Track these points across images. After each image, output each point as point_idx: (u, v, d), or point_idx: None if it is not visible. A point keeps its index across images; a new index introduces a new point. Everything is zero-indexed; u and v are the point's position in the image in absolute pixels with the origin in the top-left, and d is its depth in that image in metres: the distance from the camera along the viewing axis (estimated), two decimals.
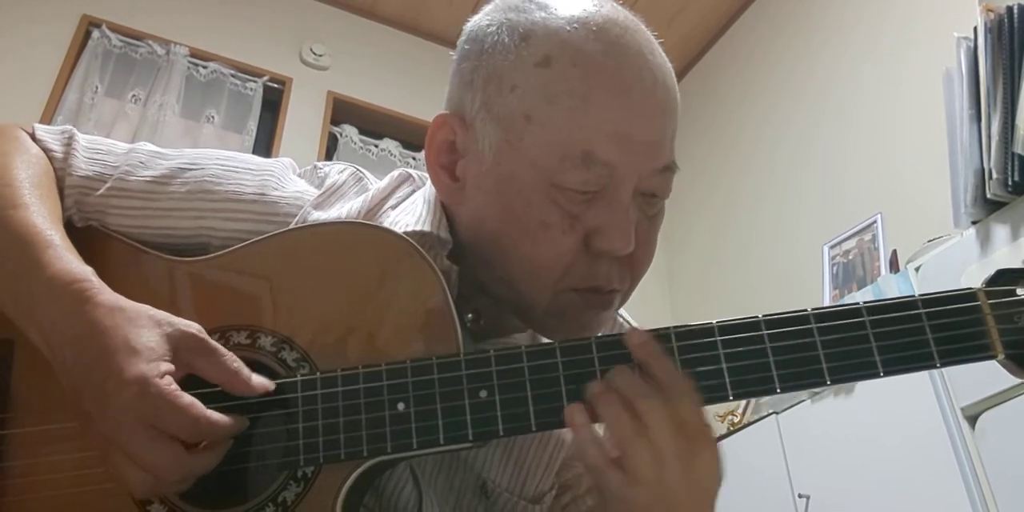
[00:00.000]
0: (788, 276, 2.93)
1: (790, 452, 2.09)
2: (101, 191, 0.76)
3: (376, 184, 0.79)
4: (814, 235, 2.83)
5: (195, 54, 3.16)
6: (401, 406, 0.62)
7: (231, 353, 0.62)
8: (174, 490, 0.59)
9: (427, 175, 0.75)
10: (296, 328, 0.66)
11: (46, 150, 0.77)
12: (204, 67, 3.17)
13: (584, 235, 0.66)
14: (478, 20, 0.73)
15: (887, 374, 0.61)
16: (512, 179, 0.67)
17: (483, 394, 0.62)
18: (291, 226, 0.72)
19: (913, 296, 0.63)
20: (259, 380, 0.62)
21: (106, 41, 3.02)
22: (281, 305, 0.67)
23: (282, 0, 3.51)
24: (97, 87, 2.91)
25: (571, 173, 0.65)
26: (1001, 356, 0.61)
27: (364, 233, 0.68)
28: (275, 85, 3.28)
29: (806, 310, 0.63)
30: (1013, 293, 0.62)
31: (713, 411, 2.37)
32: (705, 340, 0.62)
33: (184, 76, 3.08)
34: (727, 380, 0.62)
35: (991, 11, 1.88)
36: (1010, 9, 1.85)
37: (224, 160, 0.78)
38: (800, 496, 1.98)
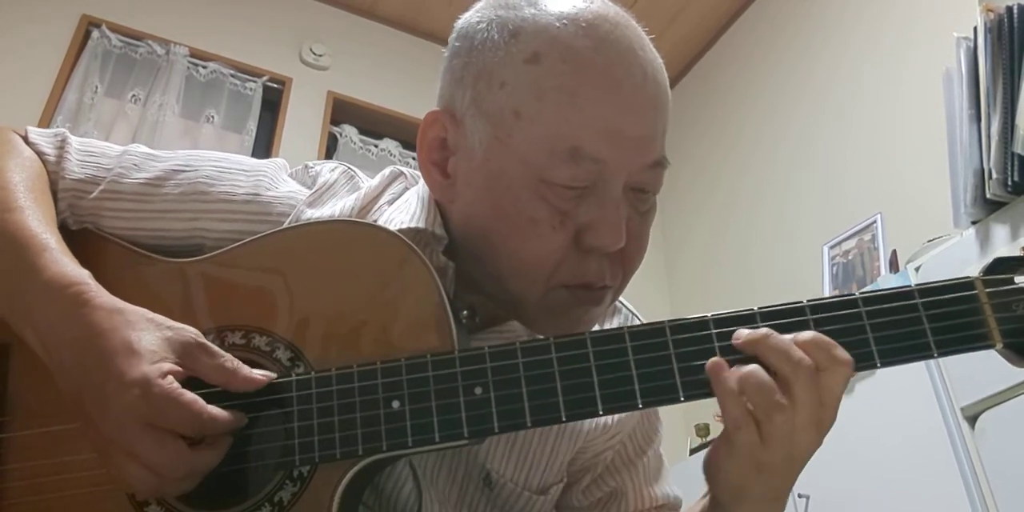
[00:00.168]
0: (788, 276, 2.93)
1: None
2: (95, 194, 0.76)
3: (368, 182, 0.79)
4: (814, 235, 2.83)
5: (195, 54, 3.16)
6: (396, 404, 0.62)
7: (228, 354, 0.62)
8: (178, 490, 0.59)
9: (420, 173, 0.75)
10: (290, 327, 0.66)
11: (39, 153, 0.77)
12: (204, 67, 3.17)
13: (574, 231, 0.66)
14: (469, 17, 0.73)
15: (884, 365, 0.61)
16: (501, 175, 0.67)
17: (478, 391, 0.61)
18: (285, 225, 0.72)
19: (910, 286, 0.62)
20: (259, 373, 0.62)
21: (106, 41, 3.03)
22: (275, 305, 0.67)
23: (282, 0, 3.51)
24: (97, 87, 2.91)
25: (560, 168, 0.65)
26: (999, 345, 0.61)
27: (358, 231, 0.68)
28: (275, 85, 3.28)
29: (802, 302, 0.63)
30: (1011, 281, 0.62)
31: (713, 411, 2.37)
32: (701, 333, 0.62)
33: (184, 76, 3.08)
34: None
35: (991, 11, 1.88)
36: (1010, 9, 1.85)
37: (217, 161, 0.78)
38: (800, 496, 1.98)
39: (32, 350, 0.63)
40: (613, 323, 0.85)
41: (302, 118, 3.27)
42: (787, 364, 0.59)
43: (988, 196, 1.75)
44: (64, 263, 0.64)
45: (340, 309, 0.66)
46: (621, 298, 0.82)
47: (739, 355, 0.61)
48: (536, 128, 0.65)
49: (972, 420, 1.67)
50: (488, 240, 0.68)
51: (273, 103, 3.27)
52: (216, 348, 0.62)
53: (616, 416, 0.81)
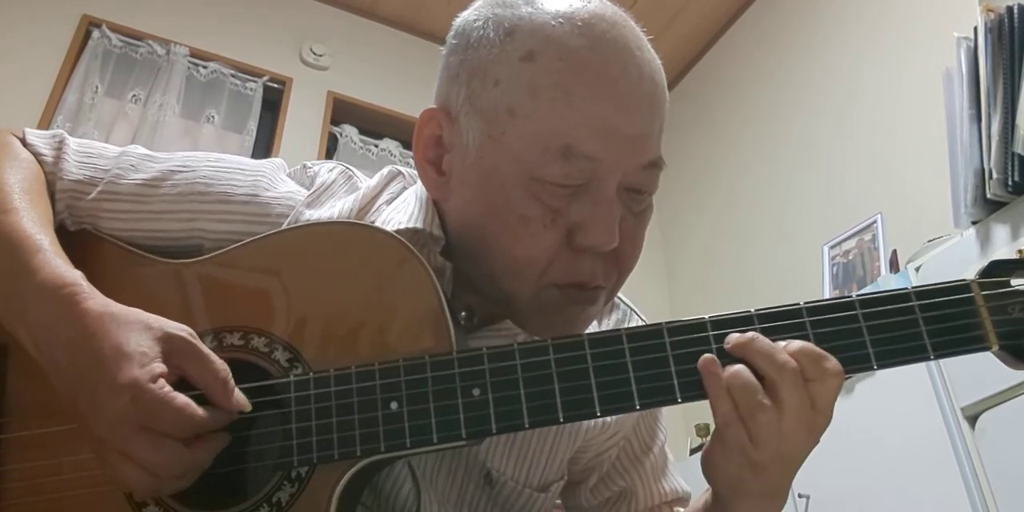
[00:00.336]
0: (788, 276, 2.93)
1: None
2: (92, 195, 0.76)
3: (366, 182, 0.79)
4: (814, 235, 2.83)
5: (195, 54, 3.16)
6: (394, 405, 0.62)
7: (221, 361, 0.61)
8: (174, 488, 0.59)
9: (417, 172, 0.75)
10: (289, 328, 0.66)
11: (36, 154, 0.77)
12: (204, 67, 3.17)
13: (567, 230, 0.66)
14: (466, 15, 0.73)
15: (881, 367, 0.61)
16: (494, 173, 0.66)
17: (476, 392, 0.61)
18: (284, 226, 0.72)
19: (906, 288, 0.62)
20: (239, 397, 0.61)
21: (106, 41, 3.03)
22: (274, 306, 0.67)
23: (282, 0, 3.51)
24: (97, 87, 2.91)
25: (552, 166, 0.64)
26: (995, 347, 0.61)
27: (356, 233, 0.68)
28: (275, 85, 3.28)
29: (799, 304, 0.63)
30: (1007, 284, 0.62)
31: None
32: (698, 335, 0.62)
33: (184, 76, 3.09)
34: None
35: (991, 11, 1.88)
36: (1010, 9, 1.85)
37: (214, 162, 0.78)
38: (800, 496, 1.98)
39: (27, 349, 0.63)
40: (611, 319, 0.85)
41: (302, 118, 3.27)
42: (771, 367, 0.59)
43: (988, 196, 1.75)
44: (57, 264, 0.64)
45: (338, 310, 0.66)
46: (620, 294, 0.82)
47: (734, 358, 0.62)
48: (529, 126, 0.65)
49: (972, 420, 1.67)
50: (481, 238, 0.68)
51: (273, 103, 3.27)
52: (208, 352, 0.61)
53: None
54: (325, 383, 0.63)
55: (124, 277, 0.72)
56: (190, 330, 0.62)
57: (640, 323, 0.86)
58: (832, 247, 2.71)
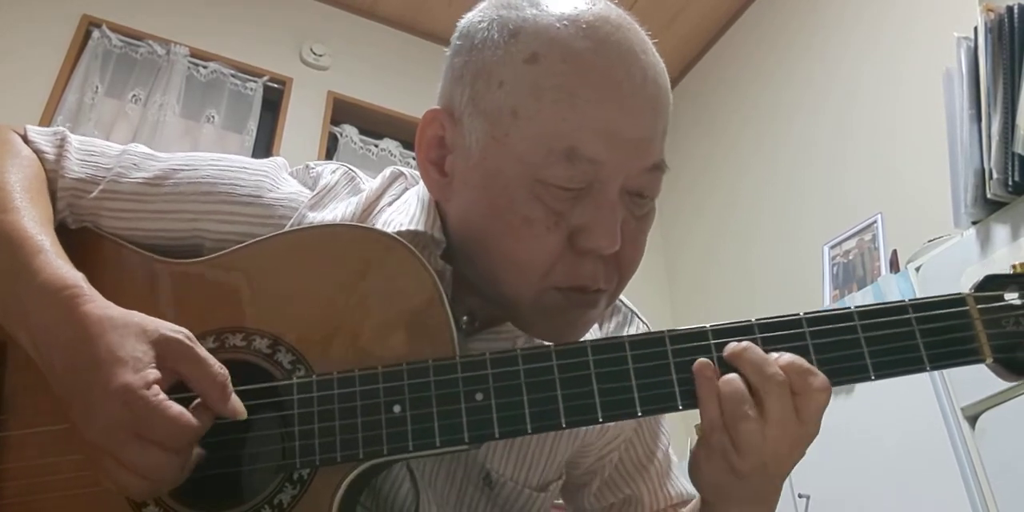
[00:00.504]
0: (788, 276, 2.93)
1: None
2: (94, 194, 0.75)
3: (369, 184, 0.79)
4: (814, 235, 2.83)
5: (195, 54, 3.16)
6: (397, 409, 0.62)
7: (220, 364, 0.61)
8: (170, 486, 0.59)
9: (419, 173, 0.75)
10: (291, 331, 0.66)
11: (38, 152, 0.77)
12: (204, 67, 3.17)
13: (569, 233, 0.66)
14: (471, 17, 0.73)
15: (878, 377, 0.63)
16: (498, 174, 0.66)
17: (479, 397, 0.62)
18: (287, 228, 0.72)
19: (904, 301, 0.64)
20: (236, 403, 0.61)
21: (106, 41, 3.02)
22: (276, 308, 0.67)
23: (282, 0, 3.51)
24: (97, 87, 2.91)
25: (555, 168, 0.64)
26: (989, 360, 0.63)
27: (359, 235, 0.68)
28: (275, 85, 3.28)
29: (799, 314, 0.64)
30: (1001, 298, 0.64)
31: None
32: (699, 343, 0.63)
33: (184, 76, 3.08)
34: None
35: (991, 11, 1.88)
36: (1010, 9, 1.85)
37: (217, 161, 0.78)
38: (800, 496, 1.98)
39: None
40: (612, 323, 0.85)
41: (302, 118, 3.27)
42: (759, 377, 0.61)
43: (988, 196, 1.75)
44: (59, 266, 0.64)
45: (341, 313, 0.66)
46: (622, 297, 0.82)
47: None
48: (533, 127, 0.65)
49: (972, 420, 1.67)
50: (483, 240, 0.68)
51: (273, 103, 3.27)
52: (206, 355, 0.60)
53: None
54: (328, 386, 0.63)
55: (126, 276, 0.72)
56: (188, 333, 0.61)
57: (642, 326, 0.86)
58: (832, 247, 2.71)
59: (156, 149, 0.82)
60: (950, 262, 1.77)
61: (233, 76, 3.20)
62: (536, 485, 0.78)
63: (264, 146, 3.16)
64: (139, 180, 0.76)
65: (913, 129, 2.59)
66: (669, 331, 0.64)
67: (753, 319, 0.64)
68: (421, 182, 0.75)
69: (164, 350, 0.59)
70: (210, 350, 0.63)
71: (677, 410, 0.62)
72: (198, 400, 0.60)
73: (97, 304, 0.61)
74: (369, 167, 3.20)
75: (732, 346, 0.63)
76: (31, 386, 0.67)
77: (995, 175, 1.74)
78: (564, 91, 0.64)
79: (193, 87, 3.11)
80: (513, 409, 0.62)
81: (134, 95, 2.99)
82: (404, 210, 0.74)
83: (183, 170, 0.76)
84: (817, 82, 3.12)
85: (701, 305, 3.45)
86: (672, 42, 3.67)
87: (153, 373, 0.58)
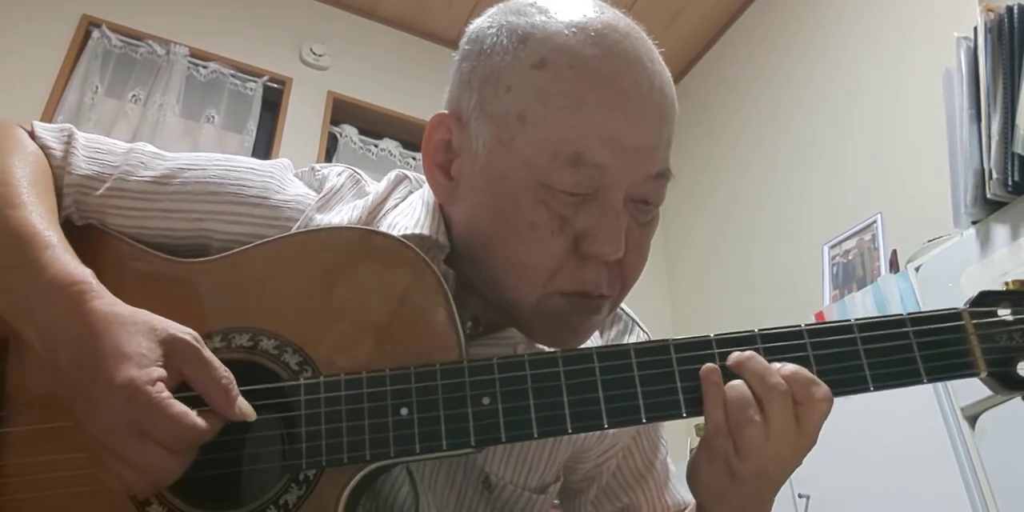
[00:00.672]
0: (788, 276, 2.93)
1: None
2: (101, 191, 0.75)
3: (374, 186, 0.79)
4: (814, 235, 2.84)
5: (195, 54, 3.16)
6: (404, 411, 0.62)
7: (225, 367, 0.60)
8: (171, 481, 0.59)
9: (424, 176, 0.75)
10: (299, 332, 0.66)
11: (44, 148, 0.77)
12: (204, 67, 3.17)
13: (573, 238, 0.66)
14: (480, 22, 0.73)
15: (877, 389, 0.64)
16: (503, 178, 0.67)
17: (486, 401, 0.62)
18: (294, 230, 0.72)
19: (902, 315, 0.66)
20: (244, 405, 0.61)
21: (106, 41, 3.02)
22: (284, 309, 0.67)
23: (282, 0, 3.51)
24: (97, 87, 2.91)
25: (561, 173, 0.65)
26: (984, 373, 0.65)
27: (366, 238, 0.69)
28: (275, 85, 3.28)
29: (799, 326, 0.65)
30: (995, 314, 0.66)
31: None
32: (703, 352, 0.64)
33: (184, 76, 3.08)
34: None
35: (991, 11, 1.88)
36: (1010, 9, 1.85)
37: (224, 162, 0.78)
38: (800, 496, 1.98)
39: (29, 344, 0.63)
40: (613, 331, 0.85)
41: (302, 118, 3.27)
42: (762, 386, 0.62)
43: (988, 196, 1.75)
44: (67, 261, 0.64)
45: (348, 315, 0.66)
46: (623, 306, 0.82)
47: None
48: (540, 132, 0.65)
49: (972, 420, 1.67)
50: (488, 244, 0.68)
51: (273, 103, 3.27)
52: (212, 357, 0.60)
53: None
54: (336, 387, 0.63)
55: (132, 274, 0.72)
56: (195, 334, 0.61)
57: (642, 335, 0.87)
58: (832, 247, 2.72)
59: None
60: (950, 262, 1.77)
61: (233, 76, 3.20)
62: (535, 487, 0.79)
63: (264, 146, 3.16)
64: (146, 178, 0.76)
65: (913, 129, 2.60)
66: (674, 340, 0.65)
67: (756, 329, 0.66)
68: (426, 185, 0.76)
69: (171, 350, 0.60)
70: (216, 350, 0.63)
71: (681, 417, 0.63)
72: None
73: (105, 300, 0.61)
74: (369, 167, 3.20)
75: (736, 355, 0.64)
76: (34, 382, 0.67)
77: (995, 175, 1.74)
78: (571, 97, 0.65)
79: (193, 87, 3.11)
80: (520, 414, 0.62)
81: (134, 95, 2.99)
82: (409, 213, 0.74)
83: (190, 170, 0.76)
84: (817, 82, 3.12)
85: (701, 305, 3.45)
86: (672, 42, 3.67)
87: (158, 370, 0.58)
